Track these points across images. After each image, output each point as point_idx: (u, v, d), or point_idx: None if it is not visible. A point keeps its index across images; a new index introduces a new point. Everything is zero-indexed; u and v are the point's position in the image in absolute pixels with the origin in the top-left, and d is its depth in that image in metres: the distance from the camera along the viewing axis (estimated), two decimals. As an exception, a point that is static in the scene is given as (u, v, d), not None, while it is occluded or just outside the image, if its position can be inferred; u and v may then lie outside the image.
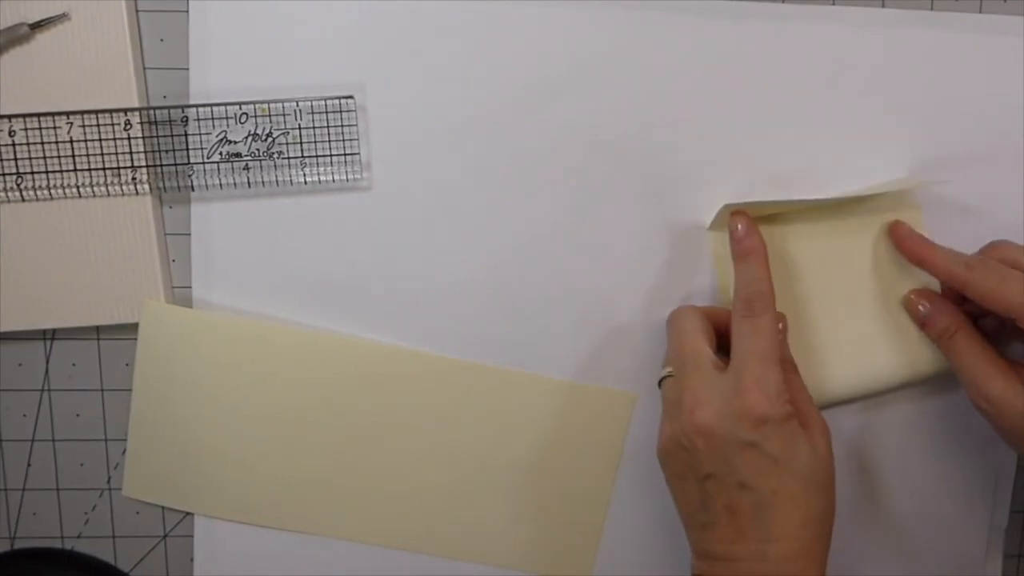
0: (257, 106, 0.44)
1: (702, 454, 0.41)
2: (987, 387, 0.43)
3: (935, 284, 0.47)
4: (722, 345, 0.44)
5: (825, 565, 0.41)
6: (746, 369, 0.41)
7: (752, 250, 0.44)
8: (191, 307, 0.46)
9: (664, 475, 0.44)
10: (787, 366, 0.44)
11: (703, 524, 0.42)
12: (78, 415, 0.48)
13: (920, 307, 0.46)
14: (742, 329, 0.42)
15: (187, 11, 0.44)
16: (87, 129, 0.43)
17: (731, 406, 0.40)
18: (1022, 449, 0.43)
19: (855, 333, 0.47)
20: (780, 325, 0.45)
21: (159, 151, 0.44)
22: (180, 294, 0.46)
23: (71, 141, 0.43)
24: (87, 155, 0.44)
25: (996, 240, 0.46)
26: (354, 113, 0.44)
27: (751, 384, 0.40)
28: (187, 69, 0.44)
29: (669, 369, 0.43)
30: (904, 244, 0.46)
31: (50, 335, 0.47)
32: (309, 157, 0.45)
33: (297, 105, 0.44)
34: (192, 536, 0.48)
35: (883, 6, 0.46)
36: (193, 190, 0.45)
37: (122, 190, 0.44)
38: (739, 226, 0.45)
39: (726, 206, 0.45)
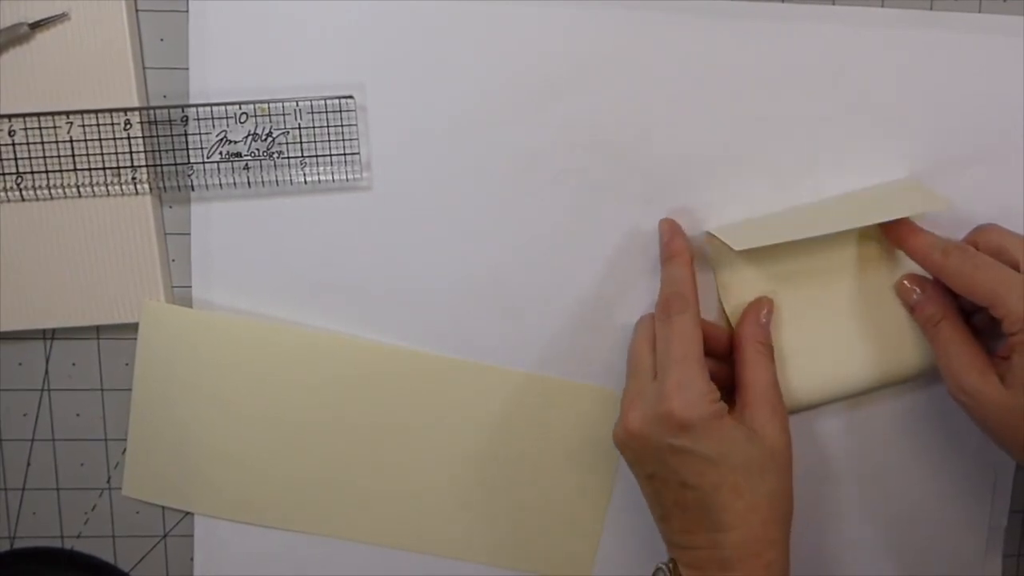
0: (257, 106, 0.44)
1: (640, 455, 0.43)
2: (964, 378, 0.43)
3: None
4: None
5: (785, 544, 0.42)
6: (668, 375, 0.42)
7: (676, 252, 0.45)
8: (191, 307, 0.46)
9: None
10: (759, 347, 0.44)
11: (660, 517, 0.44)
12: (78, 415, 0.48)
13: (913, 293, 0.46)
14: (661, 333, 0.43)
15: (187, 11, 0.44)
16: (87, 129, 0.43)
17: (656, 411, 0.41)
18: (997, 440, 0.43)
19: (838, 331, 0.47)
20: (765, 310, 0.46)
21: (159, 151, 0.44)
22: (180, 294, 0.46)
23: (71, 141, 0.43)
24: (87, 155, 0.44)
25: (984, 223, 0.46)
26: (354, 113, 0.44)
27: (672, 389, 0.41)
28: (187, 69, 0.44)
29: None
30: (887, 226, 0.46)
31: (50, 335, 0.47)
32: (309, 157, 0.45)
33: (297, 105, 0.44)
34: (192, 536, 0.48)
35: (883, 6, 0.46)
36: (193, 190, 0.45)
37: (122, 190, 0.44)
38: (665, 230, 0.46)
39: (708, 233, 0.46)
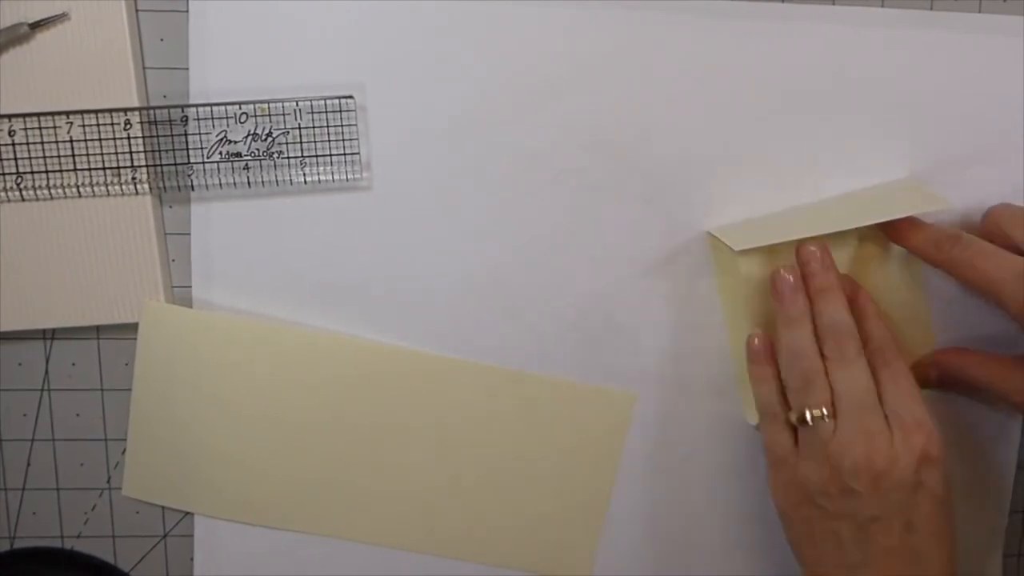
0: (257, 106, 0.44)
1: (869, 497, 0.41)
2: (1012, 395, 0.44)
3: (917, 302, 0.48)
4: None
5: None
6: (904, 411, 0.42)
7: (865, 306, 0.45)
8: (191, 307, 0.46)
9: (795, 518, 0.44)
10: None
11: (853, 564, 0.42)
12: (78, 415, 0.48)
13: (933, 370, 0.47)
14: (884, 375, 0.43)
15: (187, 11, 0.44)
16: (87, 129, 0.43)
17: (900, 447, 0.41)
18: None
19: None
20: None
21: (159, 151, 0.44)
22: (180, 294, 0.46)
23: (71, 141, 0.43)
24: (87, 155, 0.44)
25: (999, 203, 0.46)
26: (354, 113, 0.44)
27: (913, 425, 0.41)
28: (187, 69, 0.44)
29: (823, 410, 0.42)
30: (888, 224, 0.46)
31: (50, 335, 0.47)
32: (309, 157, 0.45)
33: (297, 105, 0.44)
34: (192, 536, 0.48)
35: (883, 6, 0.46)
36: (193, 190, 0.45)
37: (122, 190, 0.44)
38: (850, 286, 0.46)
39: (709, 233, 0.46)
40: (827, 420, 0.42)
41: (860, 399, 0.42)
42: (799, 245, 0.45)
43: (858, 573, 0.42)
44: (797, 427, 0.43)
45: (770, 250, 0.46)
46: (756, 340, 0.45)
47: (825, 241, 0.45)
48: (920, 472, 0.41)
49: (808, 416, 0.42)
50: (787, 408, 0.44)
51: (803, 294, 0.44)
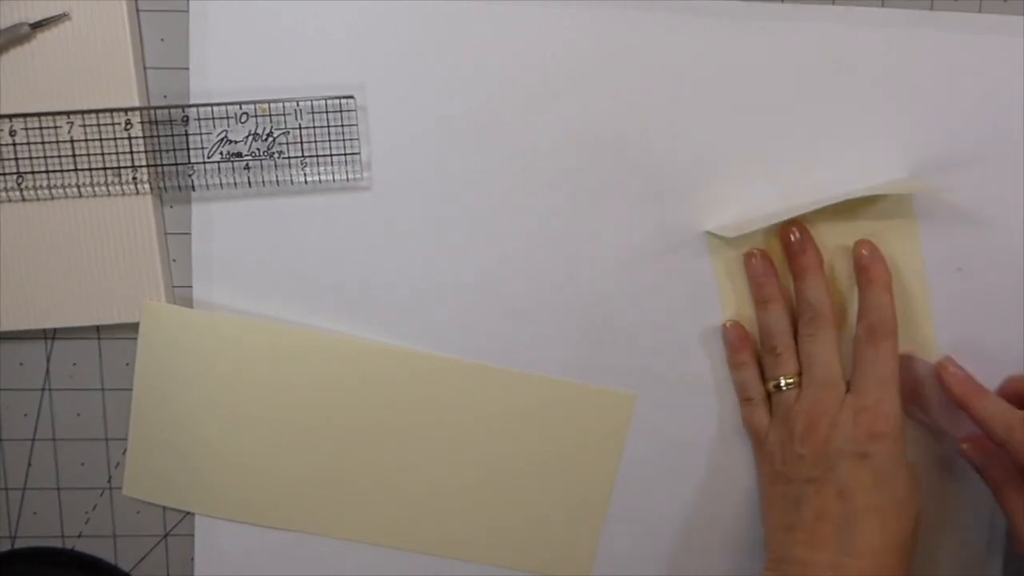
0: (257, 106, 0.44)
1: (811, 459, 0.44)
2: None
3: (918, 302, 0.48)
4: None
5: None
6: (867, 391, 0.44)
7: (876, 277, 0.45)
8: (191, 307, 0.46)
9: (761, 475, 0.47)
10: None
11: (789, 525, 0.44)
12: (79, 415, 0.48)
13: (973, 458, 0.47)
14: (865, 355, 0.45)
15: (187, 11, 0.44)
16: (87, 129, 0.43)
17: (853, 420, 0.44)
18: None
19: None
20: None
21: (159, 151, 0.44)
22: (180, 294, 0.46)
23: (71, 141, 0.43)
24: (87, 155, 0.44)
25: (1014, 374, 0.47)
26: (354, 113, 0.44)
27: (873, 403, 0.44)
28: (187, 69, 0.44)
29: (791, 380, 0.46)
30: (950, 385, 0.46)
31: (51, 335, 0.47)
32: (309, 157, 0.45)
33: (297, 105, 0.44)
34: (193, 535, 0.48)
35: (883, 6, 0.46)
36: (194, 190, 0.45)
37: (122, 190, 0.44)
38: (864, 252, 0.46)
39: (709, 233, 0.47)
40: (792, 389, 0.46)
41: (822, 374, 0.45)
42: (782, 226, 0.46)
43: (790, 534, 0.44)
44: (772, 397, 0.47)
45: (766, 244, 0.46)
46: (731, 327, 0.47)
47: (827, 250, 0.46)
48: (867, 445, 0.43)
49: (781, 384, 0.46)
50: (765, 388, 0.47)
51: (774, 276, 0.46)
